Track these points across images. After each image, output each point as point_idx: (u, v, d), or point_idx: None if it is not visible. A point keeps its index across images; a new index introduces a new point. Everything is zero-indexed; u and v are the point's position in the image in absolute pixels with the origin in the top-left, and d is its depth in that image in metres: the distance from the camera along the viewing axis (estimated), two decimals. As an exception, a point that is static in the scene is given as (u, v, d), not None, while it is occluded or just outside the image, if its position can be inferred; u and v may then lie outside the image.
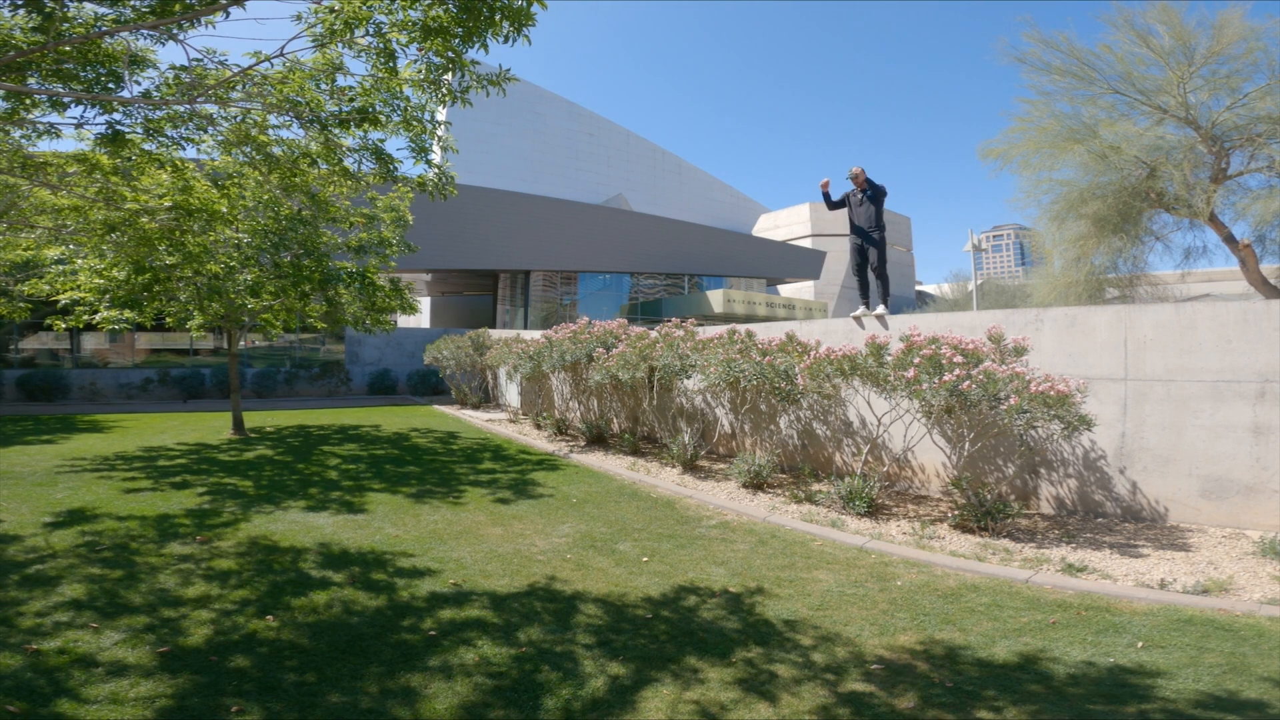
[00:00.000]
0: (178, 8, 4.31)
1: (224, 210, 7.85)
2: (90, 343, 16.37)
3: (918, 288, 50.91)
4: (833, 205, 7.09)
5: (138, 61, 5.11)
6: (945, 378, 4.75)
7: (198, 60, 4.96)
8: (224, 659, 2.83)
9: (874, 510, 5.41)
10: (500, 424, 11.25)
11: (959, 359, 4.88)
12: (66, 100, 5.26)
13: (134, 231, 7.38)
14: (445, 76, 4.87)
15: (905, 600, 3.60)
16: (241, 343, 13.03)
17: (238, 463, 7.61)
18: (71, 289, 8.62)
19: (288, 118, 5.35)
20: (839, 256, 41.84)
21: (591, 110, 48.15)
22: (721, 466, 7.29)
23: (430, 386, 18.01)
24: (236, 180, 7.74)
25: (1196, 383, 4.90)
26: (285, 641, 3.01)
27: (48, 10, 4.37)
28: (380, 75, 4.87)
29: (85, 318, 8.64)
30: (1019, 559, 4.26)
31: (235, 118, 5.57)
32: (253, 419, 11.80)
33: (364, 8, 4.15)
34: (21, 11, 4.51)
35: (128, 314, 8.48)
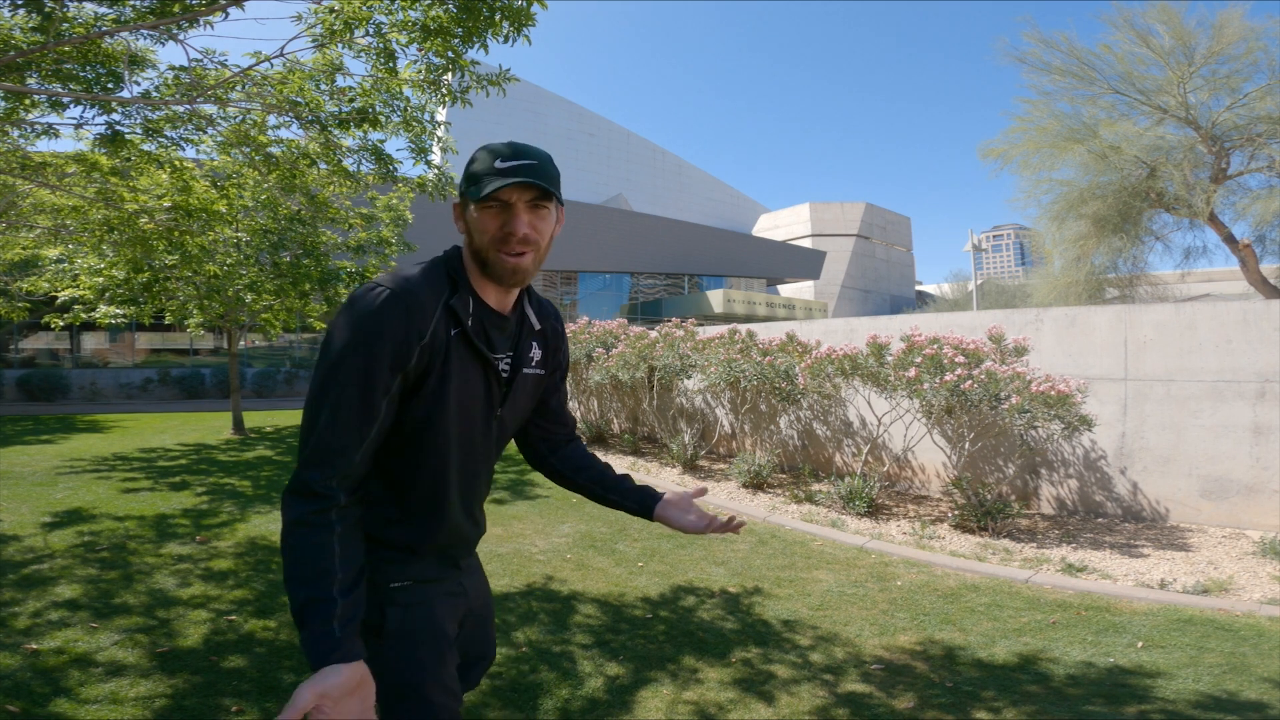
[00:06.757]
0: (177, 8, 4.30)
1: (223, 210, 7.86)
2: (90, 343, 16.37)
3: (918, 288, 50.88)
4: None
5: (137, 62, 5.10)
6: (947, 377, 4.74)
7: (197, 60, 4.96)
8: (222, 659, 2.83)
9: (874, 510, 5.41)
10: (500, 424, 11.23)
11: (961, 359, 4.87)
12: (66, 100, 5.25)
13: (133, 232, 7.38)
14: (445, 77, 4.87)
15: (905, 600, 3.59)
16: (241, 343, 13.03)
17: (237, 463, 7.61)
18: (70, 287, 8.64)
19: (287, 118, 5.35)
20: (839, 256, 41.84)
21: (592, 110, 48.14)
22: (722, 466, 7.28)
23: (430, 387, 17.99)
24: (235, 181, 7.75)
25: (1196, 383, 4.90)
26: (283, 642, 3.01)
27: (48, 10, 4.37)
28: (380, 76, 4.86)
29: (84, 315, 8.66)
30: (1019, 559, 4.25)
31: (235, 118, 5.57)
32: (253, 419, 11.80)
33: (364, 8, 4.15)
34: (21, 11, 4.51)
35: (126, 310, 8.51)
